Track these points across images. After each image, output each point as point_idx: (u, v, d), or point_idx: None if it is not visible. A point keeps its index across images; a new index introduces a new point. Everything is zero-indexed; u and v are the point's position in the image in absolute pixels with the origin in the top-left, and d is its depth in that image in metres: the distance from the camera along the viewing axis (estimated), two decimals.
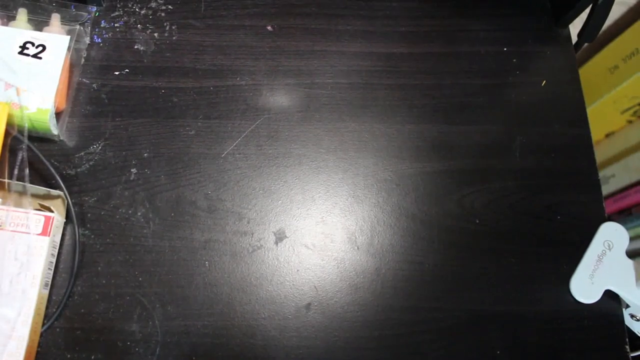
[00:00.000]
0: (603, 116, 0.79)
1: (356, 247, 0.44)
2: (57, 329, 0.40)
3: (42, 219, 0.40)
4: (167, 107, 0.47)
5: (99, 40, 0.49)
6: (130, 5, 0.51)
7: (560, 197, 0.47)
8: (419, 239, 0.45)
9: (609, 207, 0.79)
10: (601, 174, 0.80)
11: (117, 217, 0.43)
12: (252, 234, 0.44)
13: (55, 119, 0.44)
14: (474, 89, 0.51)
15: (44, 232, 0.39)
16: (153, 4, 0.51)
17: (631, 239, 0.44)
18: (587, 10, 0.51)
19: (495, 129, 0.49)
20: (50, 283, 0.40)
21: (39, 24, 0.46)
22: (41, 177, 0.43)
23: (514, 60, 0.52)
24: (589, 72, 0.80)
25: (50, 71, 0.44)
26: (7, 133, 0.41)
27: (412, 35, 0.52)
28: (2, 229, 0.39)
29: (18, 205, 0.40)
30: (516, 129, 0.49)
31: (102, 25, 0.50)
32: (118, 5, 0.51)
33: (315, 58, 0.50)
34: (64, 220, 0.42)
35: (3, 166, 0.41)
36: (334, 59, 0.51)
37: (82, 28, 0.47)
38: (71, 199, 0.42)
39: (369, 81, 0.50)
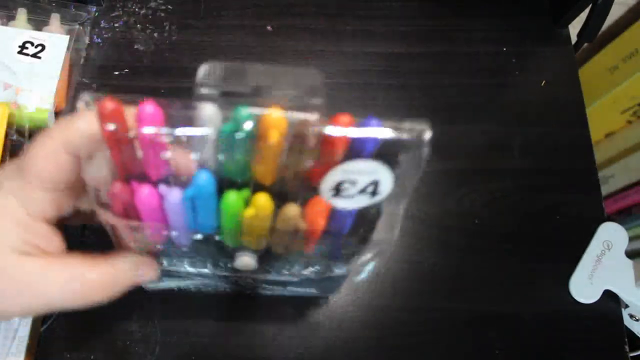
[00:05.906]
0: (603, 116, 0.79)
1: None
2: (57, 329, 0.40)
3: None
4: None
5: (99, 40, 0.49)
6: (129, 5, 0.51)
7: (560, 197, 0.47)
8: (419, 239, 0.45)
9: (609, 207, 0.79)
10: (601, 174, 0.80)
11: None
12: None
13: (54, 119, 0.44)
14: (473, 89, 0.51)
15: None
16: (153, 4, 0.51)
17: (631, 239, 0.44)
18: (587, 10, 0.51)
19: (495, 129, 0.49)
20: None
21: (39, 24, 0.46)
22: None
23: (514, 60, 0.52)
24: (589, 72, 0.80)
25: (49, 71, 0.44)
26: (6, 134, 0.41)
27: (411, 35, 0.52)
28: None
29: None
30: (516, 129, 0.49)
31: (101, 25, 0.50)
32: (118, 5, 0.51)
33: (315, 58, 0.50)
34: None
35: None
36: (334, 59, 0.51)
37: (81, 28, 0.47)
38: None
39: (369, 81, 0.50)
